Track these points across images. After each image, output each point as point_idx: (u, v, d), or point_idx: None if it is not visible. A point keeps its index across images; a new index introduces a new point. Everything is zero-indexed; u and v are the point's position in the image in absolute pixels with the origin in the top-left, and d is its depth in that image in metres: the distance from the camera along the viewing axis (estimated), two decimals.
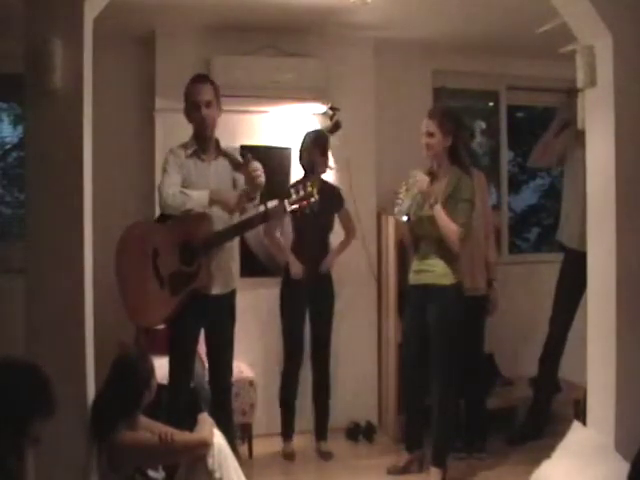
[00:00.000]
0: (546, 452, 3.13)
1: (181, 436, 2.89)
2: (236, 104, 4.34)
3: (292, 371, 4.29)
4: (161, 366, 3.32)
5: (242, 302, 3.64)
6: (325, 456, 4.29)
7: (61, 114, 2.70)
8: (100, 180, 3.07)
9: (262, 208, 3.47)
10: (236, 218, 3.51)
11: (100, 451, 2.78)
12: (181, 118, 3.49)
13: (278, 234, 4.29)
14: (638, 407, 2.93)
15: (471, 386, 4.24)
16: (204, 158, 3.46)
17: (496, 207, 5.34)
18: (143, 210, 4.39)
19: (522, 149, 5.96)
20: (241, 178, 3.43)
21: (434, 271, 3.73)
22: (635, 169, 3.00)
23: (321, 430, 4.36)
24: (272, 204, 3.44)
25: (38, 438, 2.07)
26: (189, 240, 3.30)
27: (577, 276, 3.61)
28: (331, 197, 4.21)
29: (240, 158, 3.45)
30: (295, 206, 3.37)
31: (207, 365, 3.62)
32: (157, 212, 3.60)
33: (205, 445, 2.88)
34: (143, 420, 2.95)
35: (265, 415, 4.40)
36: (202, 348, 3.59)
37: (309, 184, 3.41)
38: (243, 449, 4.15)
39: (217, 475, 2.85)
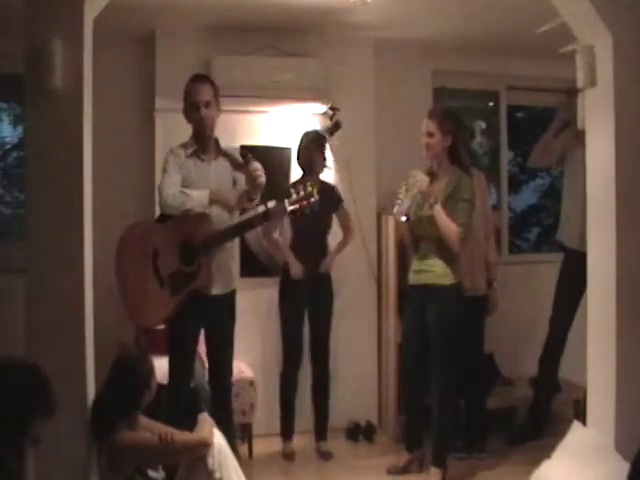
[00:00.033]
0: (546, 452, 3.12)
1: (181, 436, 2.89)
2: (236, 104, 4.34)
3: (291, 371, 4.29)
4: (161, 366, 3.33)
5: (242, 302, 3.63)
6: (325, 456, 4.29)
7: (61, 114, 2.70)
8: (100, 180, 3.07)
9: (262, 208, 3.48)
10: (236, 218, 3.52)
11: (100, 451, 2.78)
12: (181, 118, 3.49)
13: (277, 234, 4.29)
14: (638, 407, 2.93)
15: (471, 386, 4.24)
16: (204, 158, 3.46)
17: (496, 207, 5.34)
18: (143, 210, 4.39)
19: (522, 149, 5.96)
20: (241, 178, 3.44)
21: (434, 271, 3.73)
22: (635, 169, 3.00)
23: (321, 430, 4.36)
24: (272, 204, 3.44)
25: (38, 438, 2.07)
26: (189, 240, 3.30)
27: (577, 276, 3.61)
28: (329, 197, 4.21)
29: (240, 158, 3.45)
30: (295, 206, 3.37)
31: (207, 365, 3.62)
32: (157, 212, 3.60)
33: (205, 445, 2.88)
34: (143, 420, 2.95)
35: (265, 415, 4.40)
36: (202, 348, 3.59)
37: (309, 184, 3.41)
38: (243, 449, 4.15)
39: (217, 475, 2.85)
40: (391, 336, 4.64)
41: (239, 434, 4.16)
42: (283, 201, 3.37)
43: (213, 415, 3.15)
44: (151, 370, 2.94)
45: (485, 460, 4.15)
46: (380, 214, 4.79)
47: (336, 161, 4.75)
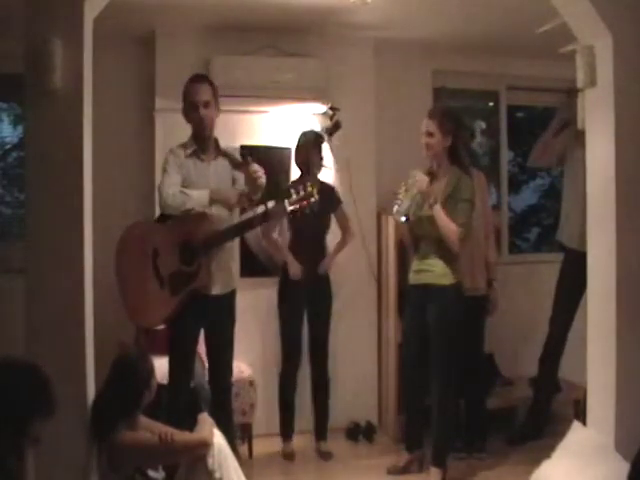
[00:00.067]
0: (546, 452, 3.12)
1: (181, 436, 2.89)
2: (236, 104, 4.34)
3: (290, 372, 4.29)
4: (161, 366, 3.33)
5: (242, 302, 3.64)
6: (325, 456, 4.29)
7: (61, 114, 2.70)
8: (100, 180, 3.07)
9: (262, 208, 3.48)
10: (236, 218, 3.52)
11: (100, 451, 2.78)
12: (181, 118, 3.49)
13: (276, 234, 4.29)
14: (638, 407, 2.93)
15: (471, 386, 4.24)
16: (204, 158, 3.46)
17: (496, 207, 5.33)
18: (143, 210, 4.39)
19: (522, 149, 5.96)
20: (241, 177, 3.44)
21: (433, 271, 3.73)
22: (635, 169, 3.00)
23: (321, 430, 4.36)
24: (272, 204, 3.44)
25: (38, 438, 2.07)
26: (189, 240, 3.30)
27: (577, 276, 3.61)
28: (328, 197, 4.21)
29: (239, 157, 3.45)
30: (295, 206, 3.37)
31: (207, 365, 3.62)
32: (157, 212, 3.60)
33: (205, 445, 2.88)
34: (143, 420, 2.95)
35: (265, 415, 4.40)
36: (202, 348, 3.59)
37: (309, 184, 3.41)
38: (243, 449, 4.15)
39: (217, 475, 2.85)
40: (391, 336, 4.64)
41: (239, 434, 4.16)
42: (283, 201, 3.37)
43: (213, 415, 3.15)
44: (151, 370, 2.94)
45: (485, 460, 4.15)
46: (380, 214, 4.79)
47: (336, 161, 4.75)
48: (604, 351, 3.02)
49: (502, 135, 5.47)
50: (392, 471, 3.97)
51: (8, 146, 5.13)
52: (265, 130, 4.69)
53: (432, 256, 3.75)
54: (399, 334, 4.41)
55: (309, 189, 3.39)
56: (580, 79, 3.12)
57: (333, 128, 4.62)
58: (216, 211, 3.36)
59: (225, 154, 3.52)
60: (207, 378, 3.65)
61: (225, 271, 3.44)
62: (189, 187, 3.35)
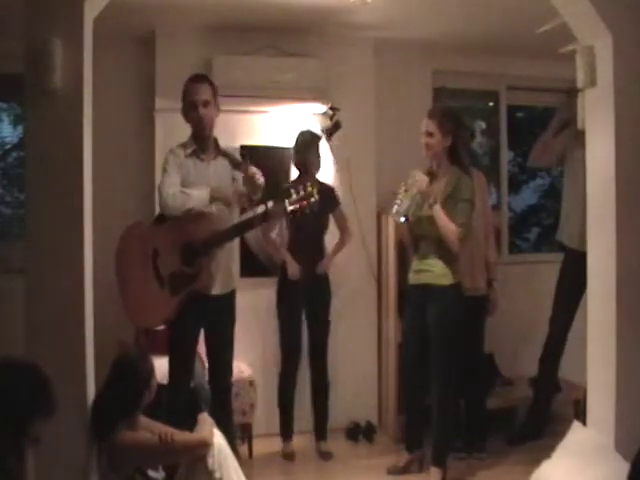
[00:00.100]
0: (546, 452, 3.12)
1: (181, 436, 2.89)
2: (236, 104, 4.35)
3: (289, 372, 4.29)
4: (161, 366, 3.33)
5: (242, 302, 3.63)
6: (325, 456, 4.29)
7: (61, 114, 2.70)
8: (100, 180, 3.07)
9: (262, 208, 3.48)
10: (236, 217, 3.51)
11: (100, 451, 2.78)
12: (181, 118, 3.49)
13: (275, 234, 4.29)
14: (638, 407, 2.93)
15: (471, 386, 4.24)
16: (203, 158, 3.46)
17: (496, 207, 5.34)
18: (143, 210, 4.39)
19: (522, 149, 5.96)
20: (240, 177, 3.43)
21: (434, 271, 3.73)
22: (635, 169, 3.00)
23: (321, 430, 4.36)
24: (272, 204, 3.44)
25: (38, 438, 2.07)
26: (190, 241, 3.29)
27: (577, 276, 3.61)
28: (327, 197, 4.20)
29: (239, 158, 3.45)
30: (295, 206, 3.36)
31: (207, 365, 3.62)
32: (157, 212, 3.59)
33: (205, 445, 2.88)
34: (143, 420, 2.95)
35: (265, 415, 4.40)
36: (202, 348, 3.59)
37: (309, 184, 3.41)
38: (243, 449, 4.15)
39: (217, 475, 2.85)
40: (391, 336, 4.64)
41: (239, 434, 4.16)
42: (283, 201, 3.37)
43: (213, 415, 3.15)
44: (151, 370, 2.94)
45: (485, 460, 4.15)
46: (380, 214, 4.79)
47: (336, 161, 4.75)
48: (604, 351, 3.02)
49: (502, 135, 5.47)
50: (392, 471, 3.97)
51: (8, 146, 5.13)
52: (265, 130, 4.69)
53: (432, 256, 3.74)
54: (399, 334, 4.41)
55: (309, 189, 3.39)
56: (580, 79, 3.12)
57: (333, 128, 4.62)
58: (216, 209, 3.35)
59: (225, 154, 3.52)
60: (207, 378, 3.65)
61: (225, 271, 3.44)
62: (189, 187, 3.34)
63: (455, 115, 3.94)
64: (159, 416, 3.11)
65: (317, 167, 4.28)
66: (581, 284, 3.42)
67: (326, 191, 4.23)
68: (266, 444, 4.34)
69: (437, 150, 3.75)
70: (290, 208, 3.36)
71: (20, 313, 2.70)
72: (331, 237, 4.40)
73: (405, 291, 4.11)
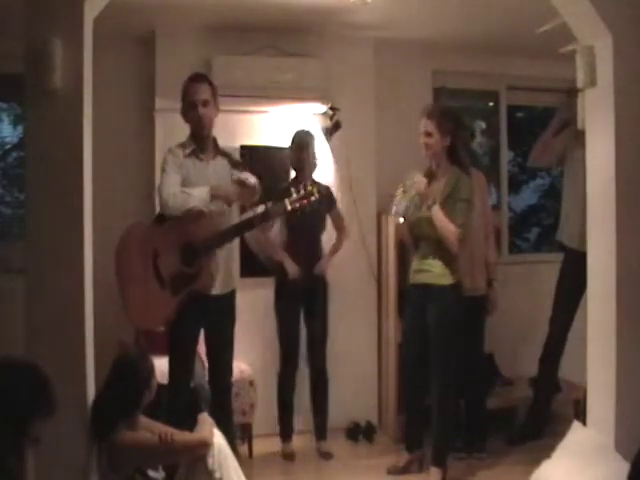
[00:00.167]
0: (546, 452, 3.12)
1: (181, 436, 2.89)
2: (236, 104, 4.34)
3: (288, 372, 4.29)
4: (161, 366, 3.33)
5: (242, 302, 3.64)
6: (325, 456, 4.29)
7: (61, 114, 2.70)
8: (100, 180, 3.07)
9: (262, 208, 3.48)
10: (236, 218, 3.51)
11: (100, 451, 2.78)
12: (181, 118, 3.49)
13: (272, 234, 4.28)
14: (638, 407, 2.93)
15: (471, 386, 4.24)
16: (202, 157, 3.45)
17: (496, 207, 5.34)
18: (143, 210, 4.38)
19: (522, 149, 5.96)
20: (242, 175, 3.42)
21: (433, 271, 3.73)
22: (635, 169, 3.00)
23: (320, 430, 4.36)
24: (272, 204, 3.44)
25: (38, 438, 2.07)
26: (190, 241, 3.29)
27: (577, 276, 3.61)
28: (323, 197, 4.18)
29: (239, 158, 3.46)
30: (296, 205, 3.36)
31: (207, 365, 3.62)
32: (157, 212, 3.59)
33: (205, 445, 2.88)
34: (143, 420, 2.95)
35: (265, 415, 4.39)
36: (202, 348, 3.59)
37: (309, 183, 3.41)
38: (243, 449, 4.15)
39: (217, 475, 2.85)
40: (391, 336, 4.64)
41: (239, 434, 4.16)
42: (283, 200, 3.37)
43: (213, 415, 3.15)
44: (151, 370, 2.94)
45: (485, 460, 4.14)
46: (380, 214, 4.79)
47: (336, 161, 4.75)
48: (604, 351, 3.02)
49: (502, 135, 5.46)
50: (392, 471, 3.97)
51: (8, 146, 5.13)
52: (265, 130, 4.69)
53: (432, 256, 3.74)
54: (399, 334, 4.41)
55: (309, 188, 3.39)
56: (580, 79, 3.12)
57: (333, 128, 4.63)
58: (216, 208, 3.35)
59: (223, 153, 3.52)
60: (207, 378, 3.65)
61: (225, 271, 3.44)
62: (189, 187, 3.33)
63: (454, 114, 3.95)
64: (159, 416, 3.11)
65: (313, 167, 4.27)
66: (581, 284, 3.42)
67: (322, 191, 4.22)
68: (266, 444, 4.34)
69: (436, 150, 3.75)
70: (290, 207, 3.36)
71: (20, 313, 2.70)
72: (329, 237, 4.40)
73: (405, 291, 4.11)
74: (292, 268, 4.16)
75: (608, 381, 2.98)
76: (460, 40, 4.77)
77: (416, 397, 3.93)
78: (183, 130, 3.51)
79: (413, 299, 3.89)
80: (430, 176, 3.77)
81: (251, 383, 4.22)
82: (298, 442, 4.38)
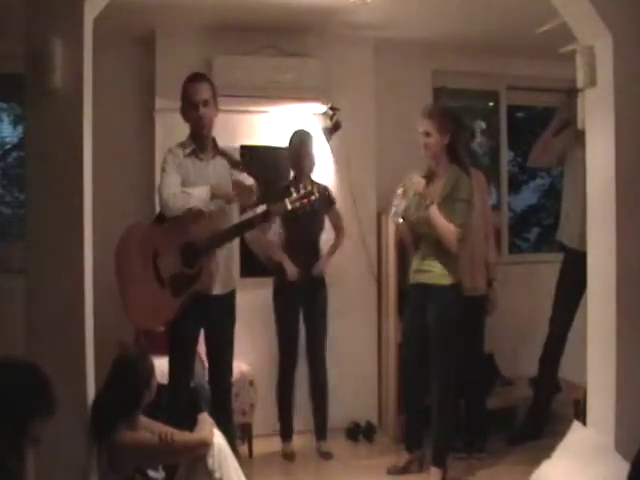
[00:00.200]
0: (546, 452, 3.12)
1: (181, 436, 2.89)
2: (236, 104, 4.34)
3: (288, 372, 4.29)
4: (161, 366, 3.32)
5: (242, 302, 3.63)
6: (325, 456, 4.28)
7: (61, 114, 2.70)
8: (100, 180, 3.06)
9: (262, 208, 3.47)
10: (236, 218, 3.51)
11: (100, 451, 2.78)
12: (181, 118, 3.48)
13: (271, 235, 4.28)
14: (638, 407, 2.93)
15: (471, 386, 4.24)
16: (202, 157, 3.45)
17: (496, 207, 5.34)
18: (143, 210, 4.38)
19: (522, 149, 5.96)
20: (239, 176, 3.42)
21: (433, 271, 3.73)
22: (635, 169, 3.00)
23: (320, 430, 4.36)
24: (273, 203, 3.43)
25: (38, 438, 2.07)
26: (190, 241, 3.29)
27: (577, 276, 3.61)
28: (322, 197, 4.19)
29: (238, 157, 3.46)
30: (296, 204, 3.36)
31: (207, 365, 3.62)
32: (157, 212, 3.59)
33: (205, 445, 2.88)
34: (143, 420, 2.95)
35: (265, 415, 4.39)
36: (202, 348, 3.59)
37: (309, 182, 3.41)
38: (243, 449, 4.15)
39: (217, 475, 2.85)
40: (391, 336, 4.64)
41: (239, 434, 4.16)
42: (284, 200, 3.37)
43: (213, 415, 3.15)
44: (151, 370, 2.94)
45: (485, 460, 4.14)
46: (380, 214, 4.79)
47: (336, 161, 4.75)
48: (604, 351, 3.02)
49: (502, 135, 5.47)
50: (392, 471, 3.97)
51: (8, 146, 5.13)
52: (265, 130, 4.69)
53: (432, 256, 3.74)
54: (399, 334, 4.41)
55: (309, 187, 3.39)
56: (580, 79, 3.12)
57: (333, 128, 4.62)
58: (216, 208, 3.34)
59: (223, 153, 3.52)
60: (207, 378, 3.65)
61: (225, 271, 3.44)
62: (188, 187, 3.33)
63: (453, 114, 3.94)
64: (159, 416, 3.11)
65: (311, 166, 4.27)
66: (581, 284, 3.42)
67: (321, 191, 4.22)
68: (266, 444, 4.34)
69: (435, 150, 3.75)
70: (291, 207, 3.36)
71: (20, 313, 2.70)
72: (328, 238, 4.39)
73: (405, 291, 4.11)
74: (291, 269, 4.16)
75: (608, 381, 2.98)
76: (460, 40, 4.77)
77: (416, 397, 3.93)
78: (183, 130, 3.51)
79: (413, 299, 3.89)
80: (430, 176, 3.77)
81: (251, 383, 4.22)
82: (298, 442, 4.38)
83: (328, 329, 4.34)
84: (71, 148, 2.72)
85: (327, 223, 4.38)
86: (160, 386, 3.10)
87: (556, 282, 4.43)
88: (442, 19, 4.38)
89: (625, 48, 2.98)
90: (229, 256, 3.50)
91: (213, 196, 3.30)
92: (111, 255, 3.32)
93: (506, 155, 5.56)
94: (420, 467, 3.97)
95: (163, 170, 3.39)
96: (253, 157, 4.46)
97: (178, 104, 3.49)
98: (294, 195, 3.37)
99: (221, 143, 3.56)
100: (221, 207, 3.37)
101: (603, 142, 3.05)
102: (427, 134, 3.73)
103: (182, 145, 3.45)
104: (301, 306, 4.28)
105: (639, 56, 3.00)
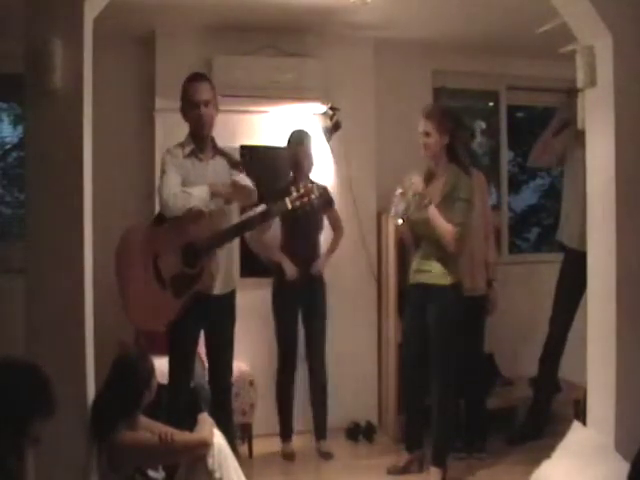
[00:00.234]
0: (546, 452, 3.12)
1: (181, 436, 2.89)
2: (236, 104, 4.35)
3: (287, 372, 4.29)
4: (161, 366, 3.32)
5: (242, 302, 3.63)
6: (325, 456, 4.28)
7: (61, 114, 2.70)
8: (100, 180, 3.06)
9: (262, 207, 3.47)
10: (236, 218, 3.51)
11: (100, 451, 2.78)
12: (181, 118, 3.48)
13: (271, 235, 4.27)
14: (638, 407, 2.93)
15: (471, 386, 4.24)
16: (202, 157, 3.45)
17: (496, 207, 5.34)
18: (143, 210, 4.39)
19: (522, 149, 5.96)
20: (236, 177, 3.42)
21: (433, 271, 3.73)
22: (635, 169, 3.00)
23: (320, 430, 4.35)
24: (273, 203, 3.43)
25: (38, 438, 2.07)
26: (190, 241, 3.29)
27: (577, 276, 3.61)
28: (320, 197, 4.17)
29: (238, 157, 3.46)
30: (296, 204, 3.36)
31: (207, 365, 3.61)
32: (157, 212, 3.59)
33: (205, 445, 2.88)
34: (143, 420, 2.94)
35: (265, 415, 4.39)
36: (202, 348, 3.58)
37: (309, 181, 3.41)
38: (243, 449, 4.15)
39: (217, 475, 2.85)
40: (391, 336, 4.64)
41: (239, 434, 4.16)
42: (284, 199, 3.37)
43: (213, 415, 3.15)
44: (151, 370, 2.94)
45: (485, 460, 4.14)
46: (380, 214, 4.79)
47: (336, 161, 4.75)
48: (604, 351, 3.02)
49: (502, 135, 5.47)
50: (392, 471, 3.97)
51: (8, 146, 5.13)
52: (265, 130, 4.69)
53: (432, 256, 3.74)
54: (399, 334, 4.41)
55: (309, 185, 3.40)
56: (580, 79, 3.12)
57: (333, 128, 4.62)
58: (216, 207, 3.34)
59: (222, 153, 3.52)
60: (207, 378, 3.65)
61: (225, 271, 3.44)
62: (189, 187, 3.32)
63: (451, 113, 3.95)
64: (159, 416, 3.11)
65: (309, 166, 4.27)
66: (581, 284, 3.42)
67: (319, 190, 4.22)
68: (266, 444, 4.34)
69: (435, 150, 3.75)
70: (291, 206, 3.35)
71: (20, 313, 2.70)
72: (327, 237, 4.39)
73: (405, 291, 4.11)
74: (290, 269, 4.16)
75: (608, 381, 2.98)
76: (460, 40, 4.77)
77: (416, 397, 3.93)
78: (183, 130, 3.51)
79: (413, 299, 3.89)
80: (430, 176, 3.77)
81: (251, 383, 4.22)
82: (298, 442, 4.38)
83: (328, 329, 4.34)
84: (71, 148, 2.72)
85: (326, 223, 4.38)
86: (160, 386, 3.10)
87: (556, 282, 4.43)
88: (442, 19, 4.38)
89: (625, 48, 2.98)
90: (229, 256, 3.49)
91: (213, 195, 3.29)
92: (111, 255, 3.32)
93: (506, 155, 5.56)
94: (420, 467, 3.97)
95: (163, 171, 3.39)
96: (253, 157, 4.47)
97: (178, 104, 3.48)
98: (294, 194, 3.36)
99: (221, 143, 3.56)
100: (221, 207, 3.37)
101: (603, 142, 3.05)
102: (426, 134, 3.73)
103: (181, 145, 3.44)
104: (300, 306, 4.29)
105: (639, 56, 3.00)
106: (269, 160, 4.54)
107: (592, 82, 3.08)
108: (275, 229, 4.24)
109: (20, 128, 4.95)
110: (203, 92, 3.39)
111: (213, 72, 4.26)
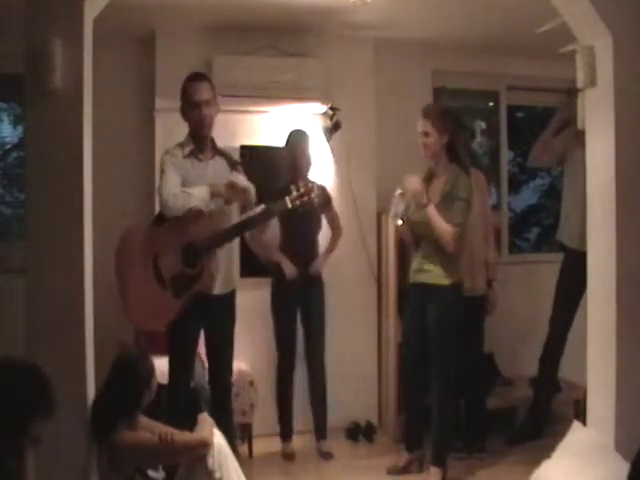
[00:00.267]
0: (546, 452, 3.12)
1: (181, 436, 2.89)
2: (236, 104, 4.35)
3: (286, 372, 4.29)
4: (161, 366, 3.32)
5: (242, 302, 3.63)
6: (325, 456, 4.28)
7: (61, 114, 2.70)
8: (100, 180, 3.06)
9: (263, 207, 3.47)
10: (236, 217, 3.50)
11: (100, 451, 2.78)
12: (181, 118, 3.48)
13: (270, 235, 4.27)
14: (638, 407, 2.93)
15: (471, 386, 4.24)
16: (201, 158, 3.44)
17: (496, 207, 5.34)
18: (143, 210, 4.39)
19: (522, 149, 5.96)
20: (235, 178, 3.42)
21: (433, 271, 3.73)
22: (635, 169, 3.00)
23: (320, 430, 4.35)
24: (272, 202, 3.43)
25: (38, 438, 2.07)
26: (190, 241, 3.29)
27: (577, 276, 3.61)
28: (319, 197, 4.17)
29: (238, 157, 3.45)
30: (296, 203, 3.35)
31: (207, 365, 3.61)
32: (157, 212, 3.59)
33: (205, 445, 2.88)
34: (143, 420, 2.94)
35: (265, 415, 4.39)
36: (202, 348, 3.58)
37: (309, 180, 3.41)
38: (243, 449, 4.15)
39: (217, 475, 2.85)
40: (391, 336, 4.64)
41: (239, 434, 4.16)
42: (284, 199, 3.36)
43: (213, 415, 3.15)
44: (151, 370, 2.94)
45: (485, 460, 4.14)
46: (380, 214, 4.79)
47: (336, 161, 4.75)
48: (604, 351, 3.02)
49: (502, 135, 5.47)
50: (392, 471, 3.97)
51: (8, 146, 5.13)
52: (265, 130, 4.69)
53: (432, 256, 3.74)
54: (399, 334, 4.41)
55: (310, 185, 3.40)
56: (580, 79, 3.12)
57: (333, 128, 4.62)
58: (216, 207, 3.34)
59: (222, 153, 3.52)
60: (207, 378, 3.65)
61: (225, 271, 3.43)
62: (188, 187, 3.32)
63: (451, 113, 3.95)
64: (159, 416, 3.11)
65: (308, 166, 4.27)
66: (581, 284, 3.42)
67: (318, 190, 4.22)
68: (266, 444, 4.34)
69: (435, 150, 3.75)
70: (291, 205, 3.35)
71: (20, 313, 2.70)
72: (327, 237, 4.39)
73: (405, 291, 4.11)
74: (289, 269, 4.16)
75: (608, 381, 2.98)
76: (460, 40, 4.77)
77: (416, 397, 3.93)
78: (183, 130, 3.51)
79: (413, 299, 3.89)
80: (431, 176, 3.77)
81: (251, 383, 4.22)
82: (298, 442, 4.38)
83: (327, 329, 4.34)
84: (71, 148, 2.72)
85: (324, 222, 4.38)
86: (160, 386, 3.10)
87: (556, 282, 4.43)
88: (442, 19, 4.38)
89: (625, 48, 2.98)
90: (229, 256, 3.49)
91: (212, 194, 3.29)
92: (111, 255, 3.32)
93: (506, 155, 5.56)
94: (420, 467, 3.97)
95: (162, 172, 3.38)
96: (253, 157, 4.47)
97: (178, 104, 3.48)
98: (294, 193, 3.36)
99: (221, 143, 3.56)
100: (221, 207, 3.37)
101: (603, 142, 3.05)
102: (426, 134, 3.73)
103: (180, 145, 3.44)
104: (298, 306, 4.29)
105: (639, 56, 3.00)
106: (269, 160, 4.54)
107: (592, 82, 3.08)
108: (274, 229, 4.24)
109: (20, 128, 4.95)
110: (203, 92, 3.39)
111: (213, 72, 4.26)
